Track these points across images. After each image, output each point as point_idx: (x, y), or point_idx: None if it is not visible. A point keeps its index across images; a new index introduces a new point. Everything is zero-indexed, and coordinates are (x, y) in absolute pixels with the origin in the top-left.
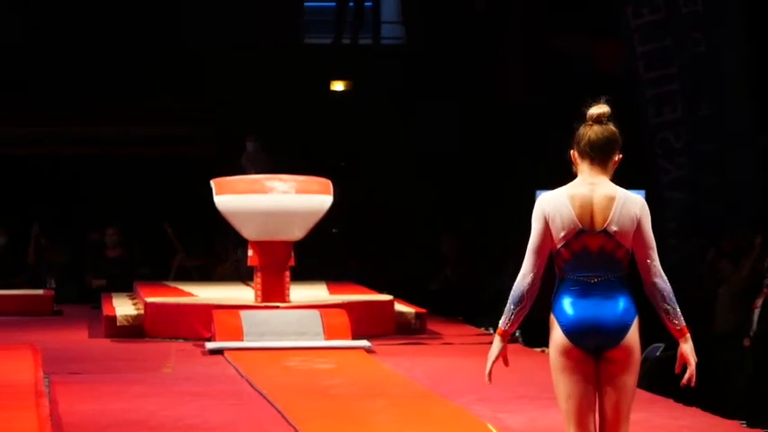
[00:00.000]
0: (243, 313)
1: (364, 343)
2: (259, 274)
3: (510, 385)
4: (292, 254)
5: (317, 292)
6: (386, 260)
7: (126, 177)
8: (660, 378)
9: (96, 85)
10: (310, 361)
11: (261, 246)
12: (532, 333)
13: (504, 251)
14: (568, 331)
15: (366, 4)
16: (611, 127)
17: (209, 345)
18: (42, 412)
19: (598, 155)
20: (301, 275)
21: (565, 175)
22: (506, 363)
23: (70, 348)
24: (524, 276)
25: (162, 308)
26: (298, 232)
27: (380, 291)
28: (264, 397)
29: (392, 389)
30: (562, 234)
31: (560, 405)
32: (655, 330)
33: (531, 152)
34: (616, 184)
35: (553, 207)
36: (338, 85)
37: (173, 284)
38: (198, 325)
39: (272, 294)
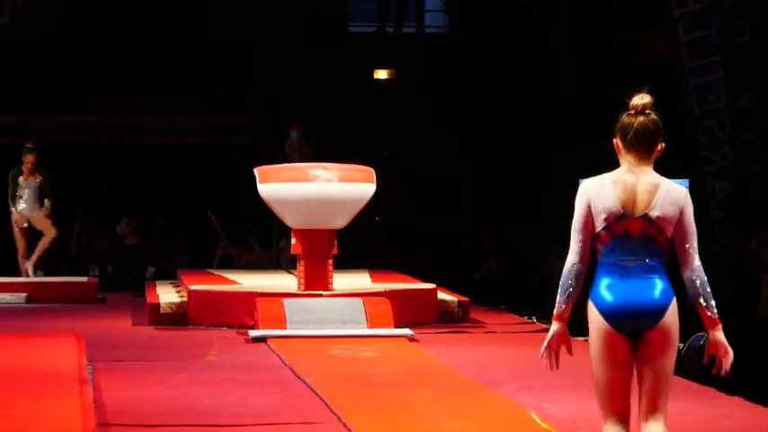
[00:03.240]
0: (286, 301)
1: (407, 331)
2: (302, 263)
3: (553, 374)
4: (335, 242)
5: (359, 281)
6: (429, 249)
7: (169, 166)
8: (703, 367)
9: (139, 75)
10: (353, 349)
11: (304, 234)
12: (575, 321)
13: (548, 240)
14: (606, 315)
15: None
16: (654, 116)
17: (253, 333)
18: (86, 399)
19: (643, 146)
20: (344, 263)
21: (609, 166)
22: (569, 350)
23: (114, 336)
24: (570, 258)
25: (206, 296)
26: (341, 220)
27: (423, 279)
28: (308, 385)
29: (435, 377)
30: (603, 217)
31: (597, 386)
32: (698, 319)
33: (574, 142)
34: (660, 173)
35: (596, 192)
36: (382, 74)
37: (216, 272)
38: (241, 313)
39: (315, 282)
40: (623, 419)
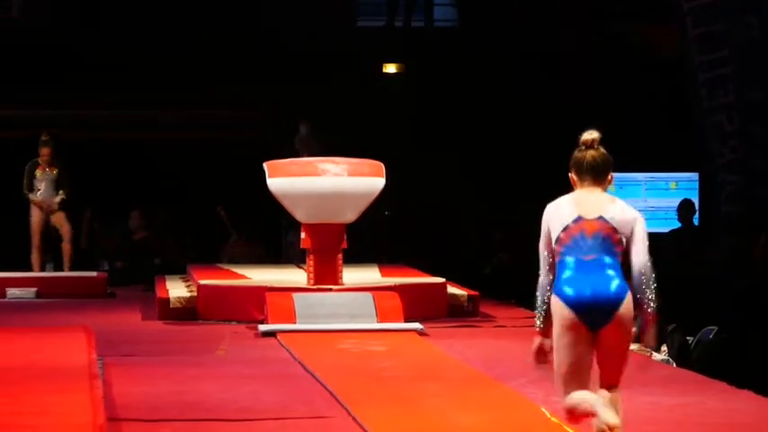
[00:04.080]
0: (296, 296)
1: (417, 325)
2: (311, 257)
3: None
4: (345, 236)
5: (369, 275)
6: (438, 243)
7: (177, 161)
8: (713, 361)
9: (146, 71)
10: (363, 343)
11: (313, 228)
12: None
13: None
14: (570, 306)
15: None
16: (603, 150)
17: (262, 327)
18: (96, 394)
19: (594, 176)
20: (353, 258)
21: (616, 155)
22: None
23: (123, 331)
24: (542, 276)
25: (215, 290)
26: (350, 215)
27: (432, 273)
28: (317, 379)
29: (445, 372)
30: (561, 223)
31: (559, 368)
32: (708, 313)
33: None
34: (670, 167)
35: (553, 209)
36: (391, 68)
37: (226, 267)
38: (251, 307)
39: (325, 277)
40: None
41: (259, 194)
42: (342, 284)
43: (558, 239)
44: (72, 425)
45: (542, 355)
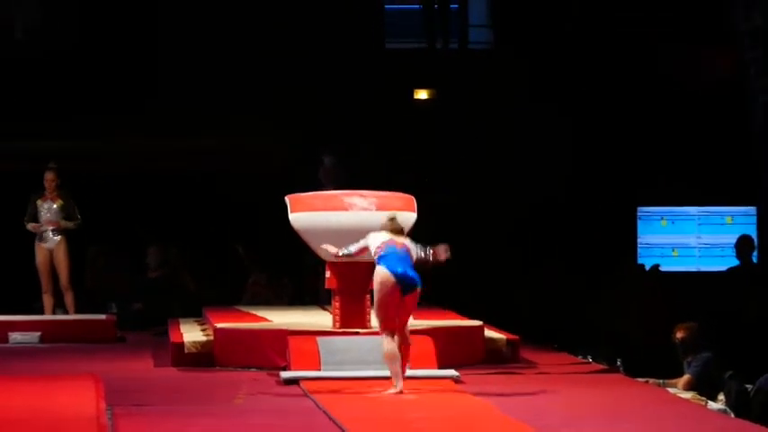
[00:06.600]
0: (320, 340)
1: (452, 372)
2: (337, 298)
3: (610, 419)
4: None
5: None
6: (476, 282)
7: (191, 194)
8: None
9: (162, 97)
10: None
11: (339, 267)
12: (635, 362)
13: (597, 276)
14: (395, 276)
15: (452, 6)
16: (398, 222)
17: (284, 374)
18: None
19: (396, 234)
20: None
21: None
22: None
23: (134, 378)
24: (358, 249)
25: (233, 334)
26: None
27: (469, 315)
28: (344, 431)
29: (482, 423)
30: (380, 242)
31: (379, 317)
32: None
33: (630, 174)
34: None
35: (375, 234)
36: (422, 94)
37: (244, 309)
38: (272, 353)
39: (352, 319)
40: (393, 332)
41: (281, 230)
42: (370, 327)
43: (379, 246)
44: None
45: None
